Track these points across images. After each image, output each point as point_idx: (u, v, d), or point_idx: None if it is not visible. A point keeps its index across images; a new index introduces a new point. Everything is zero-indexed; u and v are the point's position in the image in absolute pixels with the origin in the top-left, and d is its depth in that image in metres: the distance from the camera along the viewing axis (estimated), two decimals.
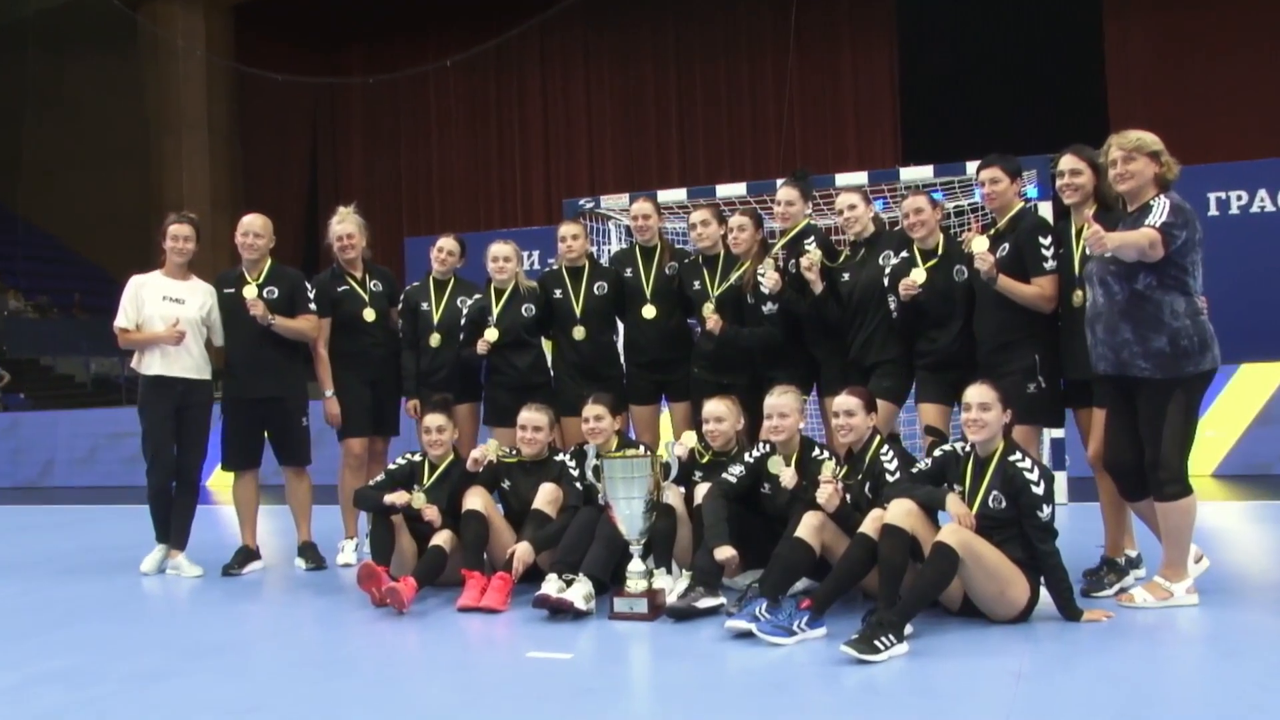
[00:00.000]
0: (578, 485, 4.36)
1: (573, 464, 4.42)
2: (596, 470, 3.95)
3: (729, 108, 16.88)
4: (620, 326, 5.27)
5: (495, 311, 5.01)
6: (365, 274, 5.30)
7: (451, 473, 4.51)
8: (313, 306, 5.12)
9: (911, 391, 4.43)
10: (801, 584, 3.77)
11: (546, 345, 5.18)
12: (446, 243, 5.28)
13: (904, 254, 4.36)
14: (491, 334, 4.95)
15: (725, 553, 3.74)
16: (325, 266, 5.45)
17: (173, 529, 5.03)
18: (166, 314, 4.91)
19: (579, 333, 4.99)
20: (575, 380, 4.97)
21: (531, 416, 4.49)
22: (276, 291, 5.04)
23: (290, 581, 4.89)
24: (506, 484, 4.55)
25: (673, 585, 3.93)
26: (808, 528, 3.61)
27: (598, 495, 4.00)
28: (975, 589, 3.38)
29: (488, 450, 4.41)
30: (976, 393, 3.52)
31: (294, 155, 18.51)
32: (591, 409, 4.40)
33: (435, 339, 5.17)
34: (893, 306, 4.36)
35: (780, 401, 3.98)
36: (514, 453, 4.56)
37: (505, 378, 5.02)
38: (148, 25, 16.89)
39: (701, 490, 4.08)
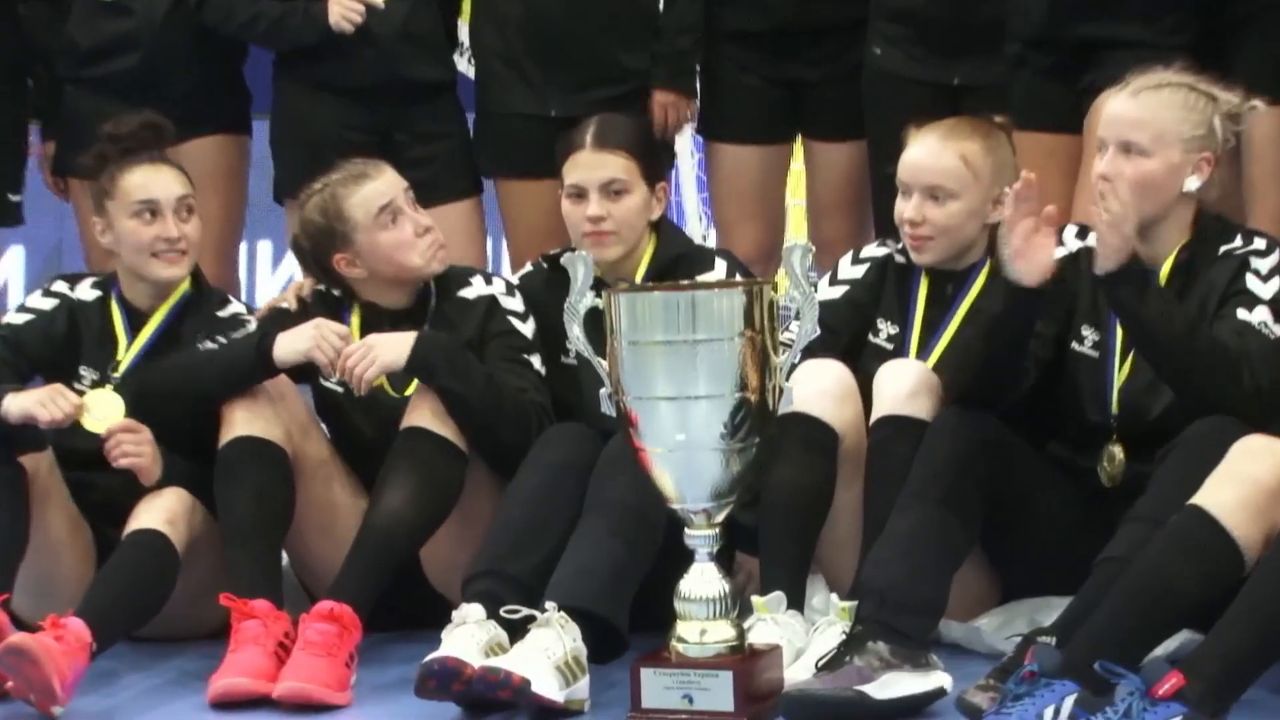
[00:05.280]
0: (534, 363, 3.69)
1: (516, 305, 3.76)
2: (594, 315, 3.16)
3: None
4: None
5: None
6: None
7: (185, 335, 3.83)
8: None
9: None
10: (1173, 642, 2.99)
11: None
12: None
13: None
14: None
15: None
16: None
17: None
18: None
19: None
20: (523, 73, 4.28)
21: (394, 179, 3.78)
22: None
23: None
24: (332, 379, 3.84)
25: (807, 637, 3.18)
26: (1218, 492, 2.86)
27: (599, 394, 3.20)
28: None
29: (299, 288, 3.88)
30: None
31: None
32: (590, 161, 3.64)
33: None
34: None
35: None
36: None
37: (333, 67, 4.26)
38: None
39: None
